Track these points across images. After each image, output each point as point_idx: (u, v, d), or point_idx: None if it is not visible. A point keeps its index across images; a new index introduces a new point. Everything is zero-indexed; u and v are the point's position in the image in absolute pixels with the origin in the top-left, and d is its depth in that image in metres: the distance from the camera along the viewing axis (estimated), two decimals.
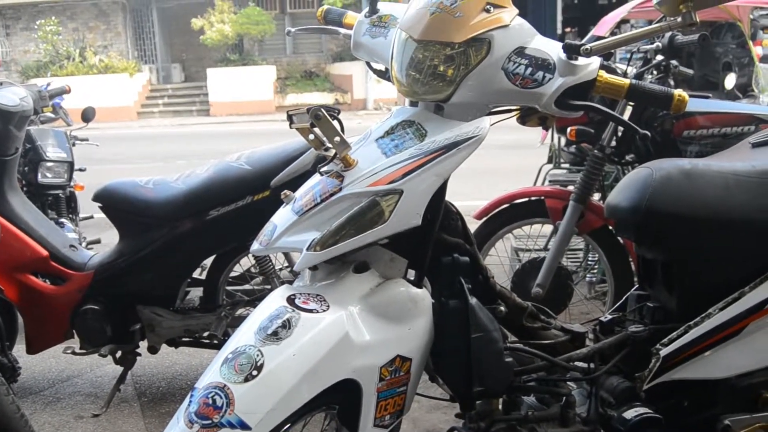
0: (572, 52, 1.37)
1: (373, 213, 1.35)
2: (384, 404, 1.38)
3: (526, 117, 1.55)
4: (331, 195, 1.38)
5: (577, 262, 3.83)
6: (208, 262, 2.87)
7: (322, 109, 1.34)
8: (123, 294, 2.72)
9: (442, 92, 1.42)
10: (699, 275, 1.70)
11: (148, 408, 2.80)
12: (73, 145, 4.38)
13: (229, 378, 1.24)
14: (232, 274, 2.90)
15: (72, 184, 4.33)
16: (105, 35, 19.92)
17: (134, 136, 13.80)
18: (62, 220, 4.16)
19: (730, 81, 7.70)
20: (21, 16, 19.91)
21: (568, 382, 1.70)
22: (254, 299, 2.82)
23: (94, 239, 4.41)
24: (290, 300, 1.35)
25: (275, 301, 1.36)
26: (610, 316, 1.84)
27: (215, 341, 2.81)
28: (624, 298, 1.91)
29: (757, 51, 8.00)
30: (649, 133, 1.44)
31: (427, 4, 1.45)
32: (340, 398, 1.35)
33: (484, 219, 3.07)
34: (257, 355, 1.25)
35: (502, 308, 1.61)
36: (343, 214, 1.36)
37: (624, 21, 5.30)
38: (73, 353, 2.80)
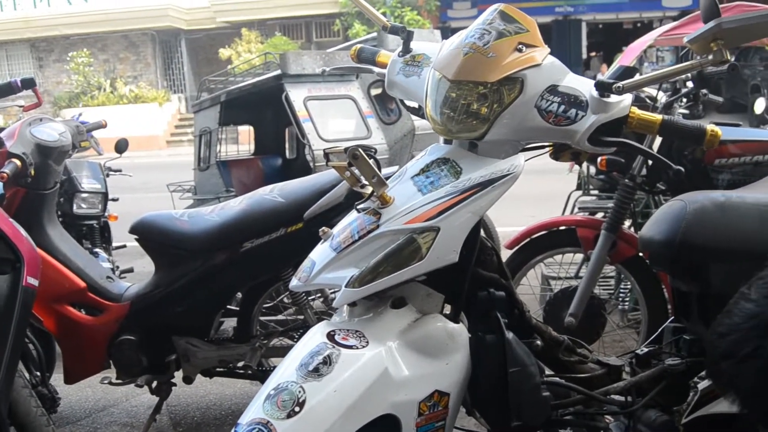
0: (604, 89, 1.39)
1: (410, 250, 1.37)
2: None
3: (559, 152, 1.56)
4: (369, 232, 1.40)
5: (608, 289, 3.80)
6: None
7: (359, 149, 1.36)
8: (158, 325, 2.75)
9: (476, 130, 1.44)
10: None
11: None
12: (107, 176, 4.47)
13: (272, 414, 1.25)
14: (266, 304, 2.92)
15: (106, 214, 4.41)
16: (135, 66, 20.36)
17: (164, 165, 13.96)
18: (96, 249, 4.24)
19: (759, 105, 7.66)
20: (54, 48, 20.42)
21: (606, 416, 1.69)
22: (288, 329, 2.85)
23: (127, 268, 4.48)
24: (330, 336, 1.37)
25: (315, 337, 1.38)
26: (646, 349, 1.82)
27: (249, 371, 2.82)
28: (659, 330, 1.90)
29: None
30: (682, 169, 1.45)
31: (460, 45, 1.48)
32: None
33: (516, 248, 3.08)
34: (299, 392, 1.27)
35: (539, 342, 1.62)
36: (380, 251, 1.38)
37: (649, 46, 5.29)
38: (110, 383, 2.83)
